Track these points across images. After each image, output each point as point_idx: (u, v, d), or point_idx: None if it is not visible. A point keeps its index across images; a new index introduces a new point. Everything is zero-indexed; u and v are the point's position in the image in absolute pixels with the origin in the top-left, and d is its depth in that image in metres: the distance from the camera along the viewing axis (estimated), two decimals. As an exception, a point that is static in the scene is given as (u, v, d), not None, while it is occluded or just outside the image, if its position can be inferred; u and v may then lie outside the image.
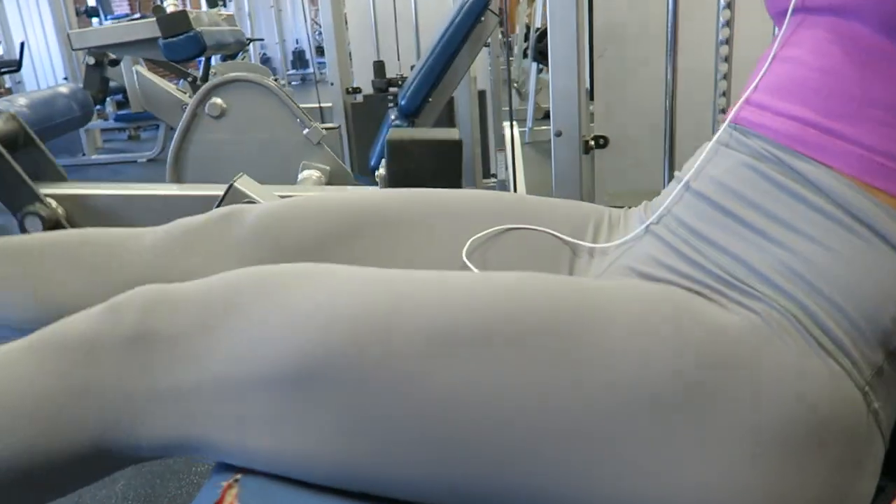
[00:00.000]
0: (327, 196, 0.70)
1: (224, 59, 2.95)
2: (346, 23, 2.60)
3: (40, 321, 0.60)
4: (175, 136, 1.26)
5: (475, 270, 0.62)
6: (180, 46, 1.53)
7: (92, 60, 1.88)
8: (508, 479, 0.43)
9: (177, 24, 1.50)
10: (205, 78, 2.21)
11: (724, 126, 0.57)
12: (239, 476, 0.45)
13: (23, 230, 1.11)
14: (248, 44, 7.76)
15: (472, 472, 0.43)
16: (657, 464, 0.42)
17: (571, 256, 0.64)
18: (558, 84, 1.20)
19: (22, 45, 4.91)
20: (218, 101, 1.23)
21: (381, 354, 0.44)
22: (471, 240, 0.64)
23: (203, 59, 2.06)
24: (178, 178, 1.26)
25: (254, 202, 0.88)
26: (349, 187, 0.71)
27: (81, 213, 1.04)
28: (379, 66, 2.48)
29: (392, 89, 2.45)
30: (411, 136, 0.91)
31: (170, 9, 1.56)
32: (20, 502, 0.49)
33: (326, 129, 1.29)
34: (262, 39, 8.36)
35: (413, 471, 0.44)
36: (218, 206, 0.89)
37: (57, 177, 1.16)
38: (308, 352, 0.44)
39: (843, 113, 0.48)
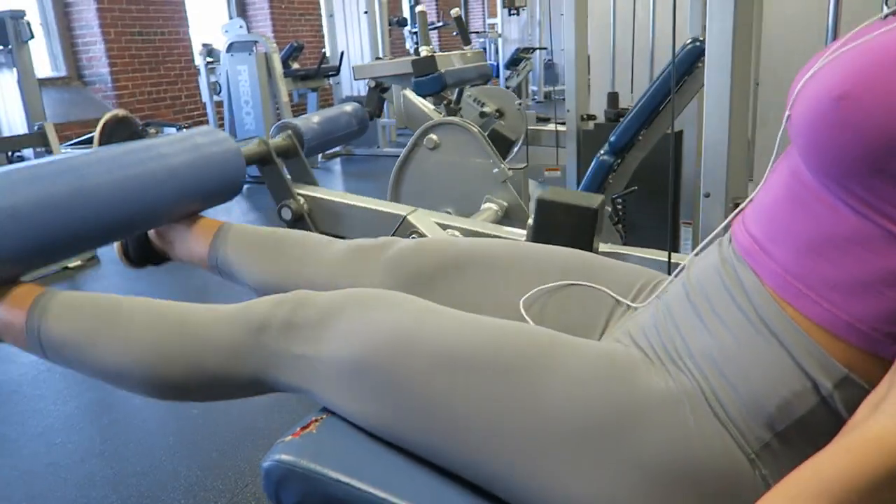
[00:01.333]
0: (449, 240, 0.95)
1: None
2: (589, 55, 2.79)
3: (265, 287, 0.98)
4: (397, 161, 1.61)
5: (528, 320, 0.81)
6: (426, 84, 1.89)
7: (372, 83, 2.35)
8: (467, 453, 0.64)
9: (425, 66, 1.86)
10: (457, 102, 2.59)
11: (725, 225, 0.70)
12: (324, 416, 0.73)
13: (279, 215, 1.54)
14: (529, 55, 8.20)
15: (449, 444, 0.66)
16: (566, 476, 0.60)
17: (612, 310, 0.81)
18: (709, 143, 1.25)
19: (342, 54, 5.95)
20: (434, 136, 1.54)
21: (402, 363, 0.68)
22: (531, 292, 0.84)
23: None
24: (396, 195, 1.61)
25: (418, 232, 1.17)
26: (466, 239, 0.91)
27: (318, 210, 1.42)
28: (612, 97, 2.62)
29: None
30: (554, 197, 1.09)
31: (423, 52, 1.93)
32: (204, 396, 0.84)
33: (514, 169, 1.53)
34: (545, 48, 8.76)
35: (418, 435, 0.68)
36: (395, 231, 1.21)
37: (310, 181, 1.57)
38: (368, 352, 0.70)
39: (776, 237, 0.59)
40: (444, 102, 2.58)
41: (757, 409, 0.57)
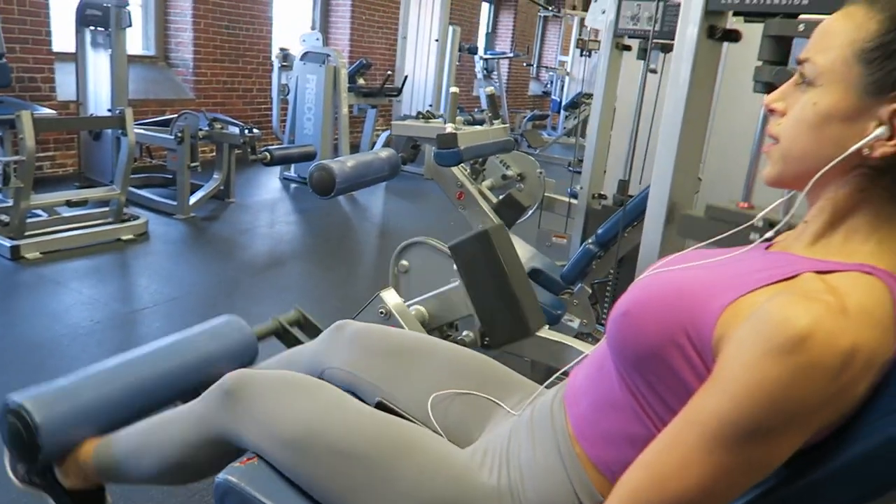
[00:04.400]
0: (390, 330, 1.22)
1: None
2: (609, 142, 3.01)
3: None
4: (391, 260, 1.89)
5: (432, 418, 1.06)
6: (445, 157, 2.17)
7: (406, 136, 2.64)
8: None
9: (446, 142, 2.15)
10: (482, 164, 2.86)
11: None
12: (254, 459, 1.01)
13: None
14: (589, 100, 8.37)
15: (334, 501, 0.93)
16: None
17: (495, 412, 1.07)
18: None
19: (405, 78, 6.29)
20: (404, 262, 1.79)
21: (302, 447, 0.94)
22: (435, 394, 1.09)
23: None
24: (396, 283, 1.87)
25: (385, 308, 1.45)
26: (399, 330, 1.20)
27: None
28: (622, 185, 2.84)
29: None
30: (458, 239, 1.40)
31: (449, 128, 2.21)
32: (212, 467, 1.09)
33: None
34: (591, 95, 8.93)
35: (315, 491, 0.94)
36: (365, 306, 1.49)
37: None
38: (276, 432, 0.96)
39: (584, 391, 0.85)
40: (472, 162, 2.86)
41: None
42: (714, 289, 0.73)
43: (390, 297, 1.47)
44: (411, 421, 1.03)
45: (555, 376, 1.03)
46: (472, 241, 1.42)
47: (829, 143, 0.71)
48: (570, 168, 7.28)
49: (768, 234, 0.84)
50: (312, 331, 1.72)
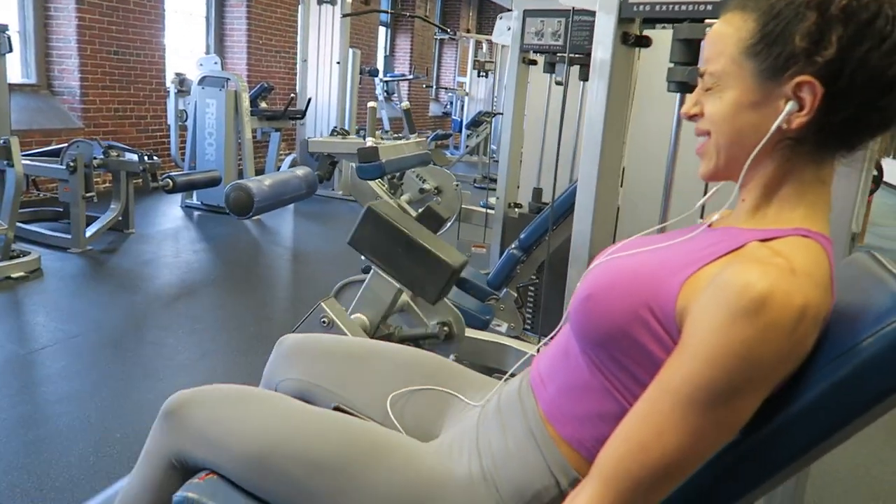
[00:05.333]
0: (338, 337, 1.21)
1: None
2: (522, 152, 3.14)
3: None
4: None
5: (392, 416, 1.05)
6: (367, 170, 2.17)
7: (325, 153, 2.62)
8: None
9: (368, 155, 2.15)
10: (400, 178, 2.88)
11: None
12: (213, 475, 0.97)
13: None
14: (489, 118, 8.58)
15: None
16: None
17: (456, 408, 1.08)
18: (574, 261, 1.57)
19: (309, 100, 6.24)
20: (336, 306, 1.79)
21: (263, 462, 0.91)
22: (394, 393, 1.09)
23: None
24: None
25: (328, 318, 1.44)
26: (343, 337, 1.19)
27: None
28: (537, 192, 2.96)
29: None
30: (379, 208, 1.44)
31: (369, 142, 2.22)
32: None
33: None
34: (501, 114, 9.23)
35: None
36: (305, 317, 1.47)
37: None
38: (234, 445, 0.93)
39: (550, 376, 0.88)
40: (389, 177, 2.87)
41: (520, 495, 0.85)
42: (671, 266, 0.79)
43: (331, 306, 1.45)
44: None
45: (516, 366, 1.05)
46: (363, 224, 1.50)
47: (748, 128, 0.79)
48: (476, 185, 7.46)
49: (714, 217, 0.90)
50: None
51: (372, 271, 1.57)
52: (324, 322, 1.44)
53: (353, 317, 1.50)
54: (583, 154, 1.51)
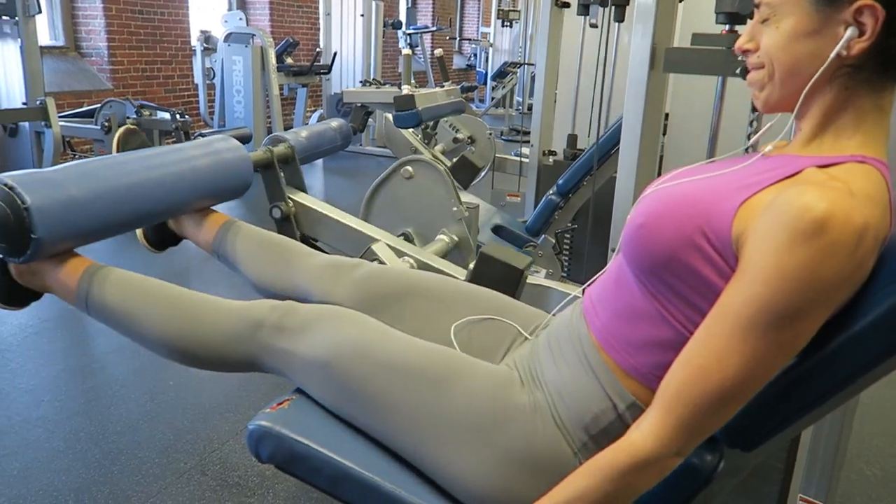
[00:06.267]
0: (405, 272, 1.23)
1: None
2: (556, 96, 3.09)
3: (256, 281, 1.27)
4: (373, 184, 1.89)
5: (455, 343, 1.08)
6: (404, 119, 2.17)
7: (359, 103, 2.62)
8: (394, 433, 0.93)
9: (404, 103, 2.14)
10: (434, 128, 2.87)
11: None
12: (294, 397, 1.01)
13: (270, 213, 1.79)
14: (515, 69, 8.43)
15: (383, 426, 0.93)
16: (454, 454, 0.89)
17: (514, 339, 1.10)
18: (619, 206, 1.55)
19: (335, 55, 6.18)
20: (410, 168, 1.82)
21: (356, 367, 0.95)
22: (456, 322, 1.11)
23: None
24: (367, 211, 1.88)
25: (378, 260, 1.45)
26: (418, 273, 1.18)
27: (303, 214, 1.66)
28: (572, 139, 2.92)
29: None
30: (493, 254, 1.37)
31: (405, 90, 2.21)
32: (211, 367, 1.10)
33: (469, 209, 1.81)
34: (532, 64, 9.07)
35: (362, 418, 0.95)
36: (362, 255, 1.49)
37: (300, 187, 1.81)
38: (332, 356, 0.97)
39: (603, 303, 0.89)
40: (423, 127, 2.86)
41: (579, 420, 0.87)
42: (725, 192, 0.78)
43: (382, 250, 1.47)
44: None
45: (566, 300, 1.06)
46: (505, 267, 1.37)
47: (806, 57, 0.78)
48: (503, 137, 7.39)
49: (768, 147, 0.89)
50: (294, 175, 1.74)
51: (462, 276, 1.50)
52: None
53: (405, 260, 1.51)
54: (627, 95, 1.49)
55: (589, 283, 1.00)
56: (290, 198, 1.73)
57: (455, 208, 1.75)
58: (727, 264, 0.76)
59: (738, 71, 1.25)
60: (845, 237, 0.68)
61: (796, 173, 0.76)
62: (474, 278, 1.38)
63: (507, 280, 1.35)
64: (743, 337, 0.71)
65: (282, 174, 1.80)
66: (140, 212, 1.28)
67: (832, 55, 0.75)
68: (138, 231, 1.51)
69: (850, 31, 0.74)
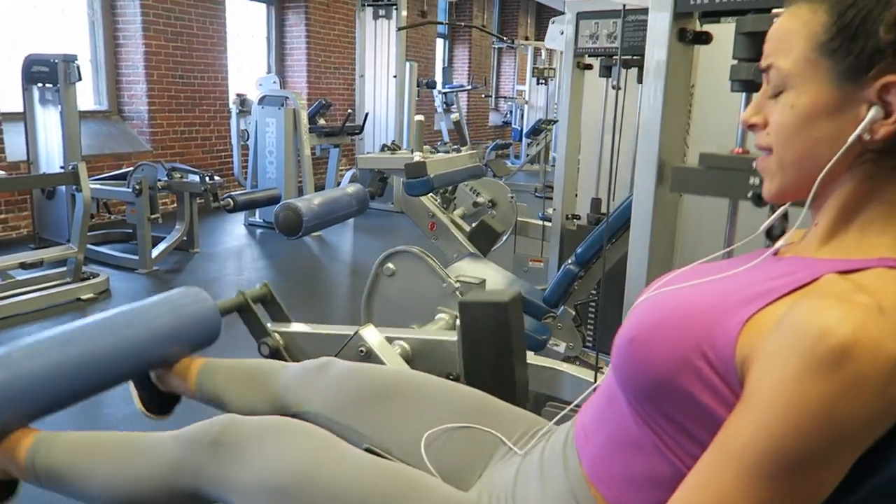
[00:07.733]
0: (377, 369, 1.14)
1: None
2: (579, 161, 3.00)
3: (244, 410, 1.18)
4: (365, 289, 1.83)
5: (425, 458, 0.96)
6: (415, 186, 2.11)
7: (374, 169, 2.57)
8: None
9: (415, 170, 2.08)
10: (453, 192, 2.80)
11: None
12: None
13: (259, 351, 1.69)
14: (550, 126, 8.43)
15: None
16: None
17: (495, 450, 0.98)
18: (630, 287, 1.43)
19: (366, 115, 6.26)
20: (390, 265, 1.76)
21: (300, 492, 0.85)
22: (429, 432, 0.99)
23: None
24: (369, 314, 1.81)
25: (366, 347, 1.36)
26: (392, 371, 1.09)
27: (290, 342, 1.56)
28: (595, 203, 2.81)
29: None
30: (472, 298, 1.27)
31: (416, 157, 2.15)
32: None
33: (461, 282, 1.72)
34: (556, 121, 9.07)
35: None
36: (345, 344, 1.39)
37: (284, 319, 1.70)
38: (276, 482, 0.87)
39: (595, 429, 0.77)
40: (441, 192, 2.80)
41: None
42: (729, 302, 0.66)
43: (370, 335, 1.37)
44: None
45: (566, 410, 0.94)
46: (487, 307, 1.28)
47: (823, 141, 0.67)
48: (537, 194, 7.31)
49: (779, 243, 0.77)
50: (277, 311, 1.64)
51: (453, 337, 1.42)
52: (361, 351, 1.37)
53: (396, 345, 1.41)
54: (637, 161, 1.39)
55: (587, 393, 0.89)
56: (275, 332, 1.64)
57: (444, 284, 1.66)
58: (731, 391, 0.63)
59: (749, 196, 1.15)
60: (873, 370, 0.55)
61: (812, 281, 0.64)
62: (464, 332, 1.27)
63: (496, 320, 1.23)
64: (749, 484, 0.58)
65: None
66: (92, 384, 1.22)
67: (852, 138, 0.64)
68: (137, 405, 1.43)
69: (873, 112, 0.63)
